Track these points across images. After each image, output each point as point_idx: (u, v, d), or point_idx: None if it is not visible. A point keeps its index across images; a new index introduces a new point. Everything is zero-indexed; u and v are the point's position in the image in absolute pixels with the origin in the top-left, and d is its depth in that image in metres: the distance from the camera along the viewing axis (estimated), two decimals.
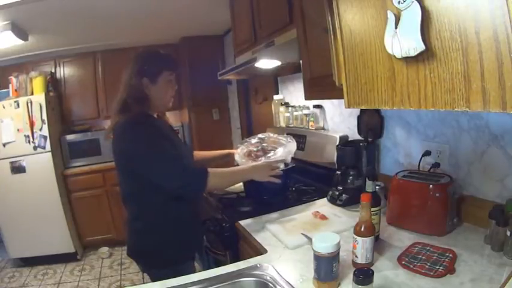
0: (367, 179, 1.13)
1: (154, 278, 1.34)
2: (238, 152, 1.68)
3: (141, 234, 1.36)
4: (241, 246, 1.43)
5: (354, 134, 1.72)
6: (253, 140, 1.73)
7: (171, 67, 1.38)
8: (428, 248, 1.03)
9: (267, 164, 1.46)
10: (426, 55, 0.72)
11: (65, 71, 3.63)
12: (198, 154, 1.75)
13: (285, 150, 1.61)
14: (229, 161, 1.78)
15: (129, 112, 1.28)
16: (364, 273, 0.79)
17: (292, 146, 1.65)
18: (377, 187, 1.24)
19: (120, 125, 1.29)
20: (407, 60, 0.76)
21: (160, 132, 1.33)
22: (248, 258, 1.13)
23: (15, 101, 3.08)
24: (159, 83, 1.34)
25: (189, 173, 1.28)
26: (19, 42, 2.58)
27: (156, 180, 1.26)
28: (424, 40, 0.70)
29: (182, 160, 1.31)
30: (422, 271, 0.90)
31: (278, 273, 0.99)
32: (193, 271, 1.37)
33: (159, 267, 1.32)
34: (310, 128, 2.03)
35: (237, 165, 1.64)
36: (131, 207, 1.38)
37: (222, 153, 1.84)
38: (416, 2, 0.70)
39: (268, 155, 1.62)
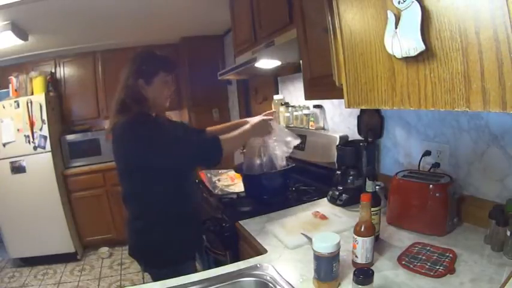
0: (367, 179, 1.13)
1: (155, 278, 1.34)
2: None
3: (142, 234, 1.36)
4: (241, 246, 1.43)
5: (354, 134, 1.72)
6: None
7: (168, 68, 1.38)
8: (428, 248, 1.03)
9: (261, 119, 1.53)
10: (426, 55, 0.72)
11: (65, 71, 3.63)
12: (211, 129, 1.75)
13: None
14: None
15: (127, 112, 1.29)
16: (364, 273, 0.79)
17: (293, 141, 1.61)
18: (377, 187, 1.24)
19: (119, 125, 1.29)
20: (407, 60, 0.76)
21: (161, 128, 1.34)
22: (248, 258, 1.13)
23: (15, 101, 3.08)
24: (154, 84, 1.34)
25: (203, 145, 1.34)
26: (19, 42, 2.58)
27: (174, 165, 1.30)
28: (424, 40, 0.70)
29: (191, 137, 1.37)
30: (422, 271, 0.90)
31: (278, 273, 0.99)
32: (194, 271, 1.37)
33: (160, 267, 1.32)
34: (310, 128, 2.03)
35: None
36: (132, 206, 1.38)
37: (233, 124, 1.80)
38: (416, 2, 0.70)
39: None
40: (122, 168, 1.35)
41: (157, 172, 1.30)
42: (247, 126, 1.48)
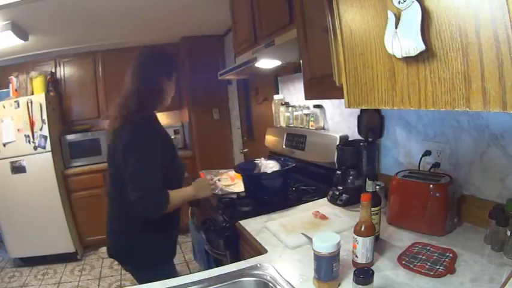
0: (367, 179, 1.13)
1: (136, 277, 1.39)
2: None
3: (121, 234, 1.39)
4: (241, 246, 1.43)
5: (354, 134, 1.72)
6: None
7: (177, 68, 1.50)
8: (428, 247, 1.03)
9: (204, 181, 1.55)
10: (426, 55, 0.71)
11: (65, 71, 3.64)
12: None
13: None
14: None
15: (127, 113, 1.30)
16: (364, 273, 0.79)
17: None
18: (377, 187, 1.25)
19: (118, 131, 1.31)
20: (407, 60, 0.76)
21: (153, 142, 1.32)
22: (248, 258, 1.13)
23: (15, 101, 3.08)
24: (172, 81, 1.44)
25: (152, 197, 1.26)
26: (19, 42, 2.58)
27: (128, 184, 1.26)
28: (424, 40, 0.70)
29: (155, 181, 1.27)
30: (423, 271, 0.90)
31: (278, 273, 0.99)
32: (175, 274, 1.36)
33: (138, 268, 1.37)
34: (310, 127, 2.03)
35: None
36: (114, 207, 1.42)
37: None
38: (416, 1, 0.70)
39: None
40: (112, 170, 1.39)
41: None
42: (189, 187, 1.46)
